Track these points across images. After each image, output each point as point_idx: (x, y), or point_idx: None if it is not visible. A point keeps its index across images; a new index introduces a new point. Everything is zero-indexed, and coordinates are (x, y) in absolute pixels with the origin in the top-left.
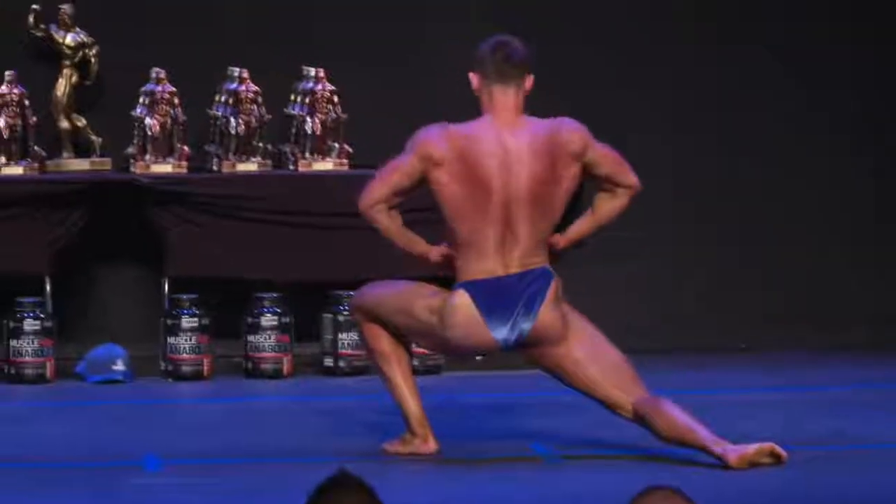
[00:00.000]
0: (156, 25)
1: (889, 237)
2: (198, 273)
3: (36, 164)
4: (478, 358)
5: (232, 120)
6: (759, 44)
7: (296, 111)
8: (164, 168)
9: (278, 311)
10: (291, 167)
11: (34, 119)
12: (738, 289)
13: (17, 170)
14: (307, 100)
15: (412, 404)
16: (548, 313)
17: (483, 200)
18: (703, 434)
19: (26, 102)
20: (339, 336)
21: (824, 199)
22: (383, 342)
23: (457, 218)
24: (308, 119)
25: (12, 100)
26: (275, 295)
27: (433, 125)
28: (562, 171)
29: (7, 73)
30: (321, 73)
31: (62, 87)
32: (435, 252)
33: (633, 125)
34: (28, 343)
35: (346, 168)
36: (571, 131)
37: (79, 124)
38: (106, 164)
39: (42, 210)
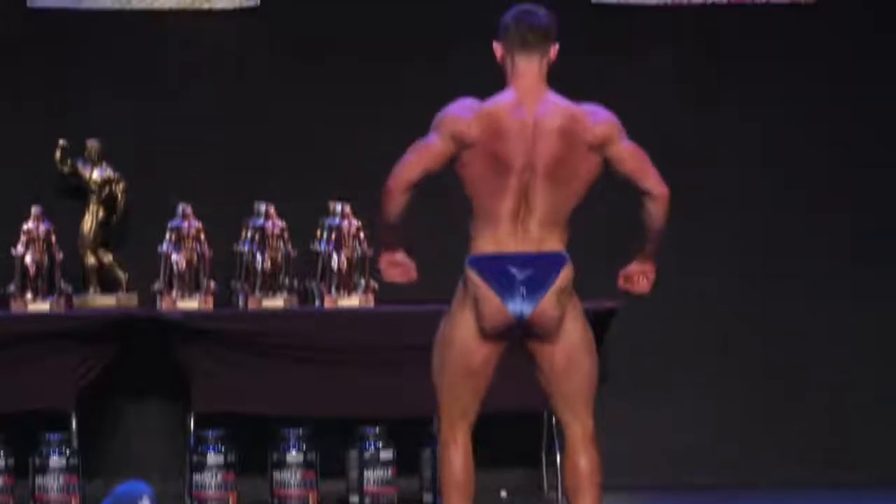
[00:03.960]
0: (182, 161)
1: None
2: (223, 409)
3: (62, 300)
4: None
5: (258, 256)
6: None
7: (322, 247)
8: (191, 304)
9: (304, 447)
10: (317, 303)
11: (61, 255)
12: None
13: (43, 306)
14: (333, 235)
15: None
16: (550, 303)
17: (503, 175)
18: None
19: (53, 238)
20: (365, 473)
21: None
22: (449, 469)
23: (475, 191)
24: (334, 255)
25: (39, 236)
26: (300, 431)
27: (460, 102)
28: (579, 157)
29: (33, 208)
30: (347, 209)
31: (88, 222)
32: (384, 260)
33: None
34: (54, 480)
35: (371, 304)
36: (596, 123)
37: (105, 260)
38: (132, 299)
39: (69, 346)
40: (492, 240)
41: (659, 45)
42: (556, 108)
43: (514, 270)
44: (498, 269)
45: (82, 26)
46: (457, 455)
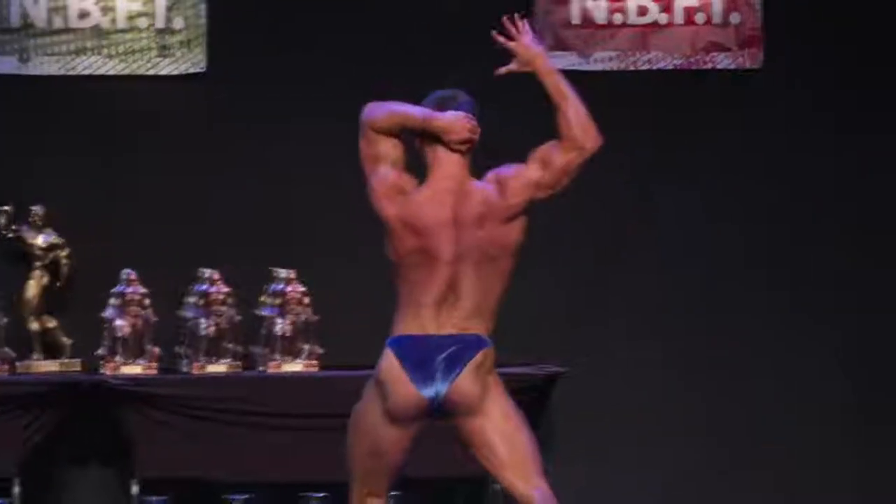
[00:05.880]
0: (126, 227)
1: None
2: (167, 474)
3: (6, 366)
4: None
5: (202, 321)
6: None
7: (266, 312)
8: (135, 369)
9: None
10: (261, 369)
11: (4, 320)
12: None
13: None
14: (277, 301)
15: None
16: (466, 382)
17: (429, 262)
18: None
19: None
20: None
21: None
22: None
23: (403, 280)
24: (278, 320)
25: None
26: (245, 496)
27: (382, 173)
28: (503, 232)
29: None
30: (291, 275)
31: (33, 288)
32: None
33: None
34: None
35: (315, 369)
36: (510, 195)
37: (49, 325)
38: (76, 365)
39: (12, 411)
40: (415, 323)
41: (600, 110)
42: (473, 197)
43: (433, 352)
44: (417, 351)
45: (27, 91)
46: None
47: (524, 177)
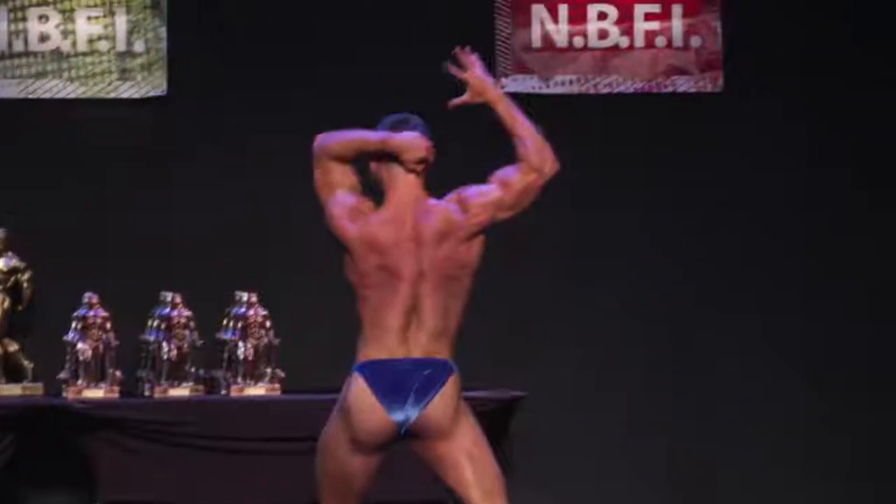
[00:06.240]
0: (88, 250)
1: None
2: (130, 499)
3: None
4: None
5: (164, 345)
6: None
7: (228, 336)
8: (97, 393)
9: None
10: (223, 392)
11: None
12: None
13: None
14: (239, 325)
15: None
16: (438, 407)
17: (390, 281)
18: None
19: None
20: None
21: None
22: None
23: (363, 296)
24: (240, 344)
25: None
26: None
27: (340, 198)
28: (463, 250)
29: None
30: (253, 299)
31: None
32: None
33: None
34: None
35: (278, 393)
36: (469, 216)
37: (10, 349)
38: (38, 389)
39: None
40: (380, 347)
41: (562, 134)
42: (434, 215)
43: (404, 377)
44: (387, 376)
45: None
46: None
47: (486, 196)
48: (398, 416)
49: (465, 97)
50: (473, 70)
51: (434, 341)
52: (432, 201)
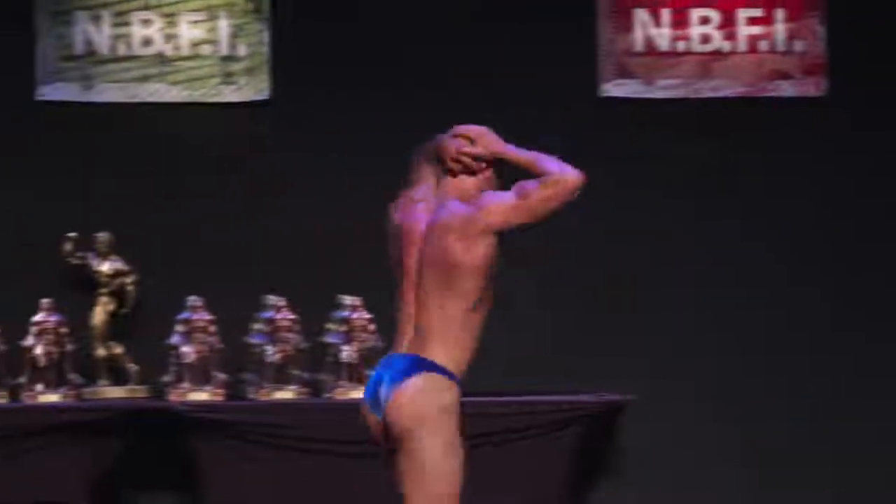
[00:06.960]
0: (192, 254)
1: None
2: (234, 501)
3: (73, 392)
4: None
5: (268, 348)
6: None
7: (332, 339)
8: (201, 396)
9: None
10: (328, 395)
11: (71, 347)
12: None
13: (53, 398)
14: (343, 328)
15: None
16: (403, 399)
17: (403, 276)
18: None
19: (63, 330)
20: None
21: None
22: None
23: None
24: (344, 347)
25: (49, 328)
26: None
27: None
28: (469, 244)
29: (44, 301)
30: (357, 302)
31: (99, 314)
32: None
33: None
34: None
35: None
36: (486, 199)
37: (115, 352)
38: (142, 391)
39: (78, 438)
40: (394, 344)
41: (666, 138)
42: (445, 210)
43: (380, 374)
44: (373, 375)
45: (90, 118)
46: None
47: (502, 200)
48: (379, 414)
49: (477, 149)
50: (475, 133)
51: (420, 339)
52: (454, 201)
